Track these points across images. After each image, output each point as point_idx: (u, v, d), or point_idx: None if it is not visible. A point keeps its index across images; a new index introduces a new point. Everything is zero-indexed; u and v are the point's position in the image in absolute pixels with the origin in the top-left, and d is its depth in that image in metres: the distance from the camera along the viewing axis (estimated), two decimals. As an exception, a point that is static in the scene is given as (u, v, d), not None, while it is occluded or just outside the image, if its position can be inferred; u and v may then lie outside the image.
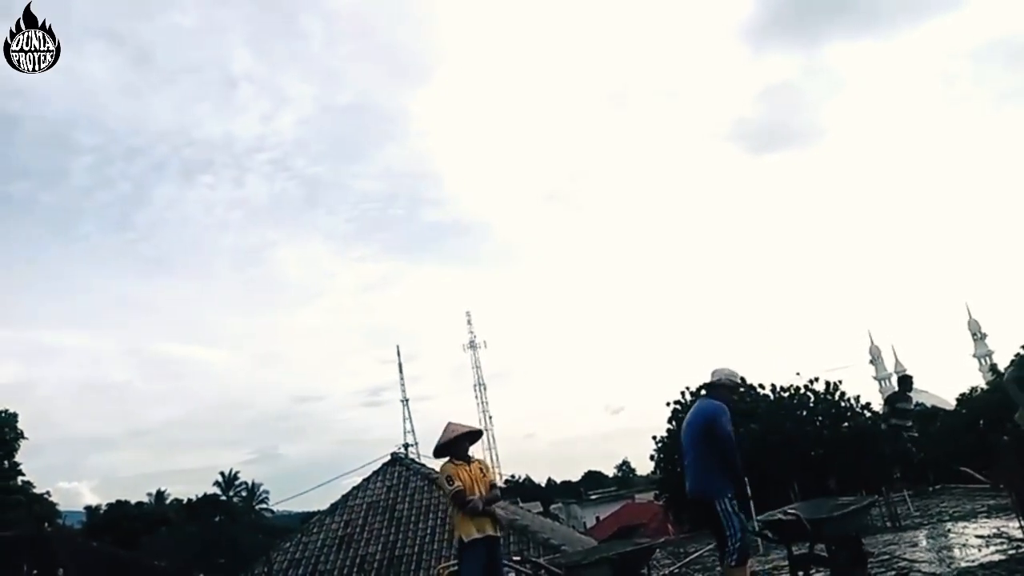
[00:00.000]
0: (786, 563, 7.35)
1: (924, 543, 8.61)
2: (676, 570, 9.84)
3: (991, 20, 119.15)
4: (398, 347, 73.88)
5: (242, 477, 63.73)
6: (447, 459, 6.10)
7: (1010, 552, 6.76)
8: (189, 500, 58.41)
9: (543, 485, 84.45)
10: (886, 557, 7.80)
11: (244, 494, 63.01)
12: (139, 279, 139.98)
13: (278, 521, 50.34)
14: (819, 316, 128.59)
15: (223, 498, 60.51)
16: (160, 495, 59.90)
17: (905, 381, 13.74)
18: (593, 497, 71.60)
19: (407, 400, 68.77)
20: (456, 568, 6.72)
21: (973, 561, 6.72)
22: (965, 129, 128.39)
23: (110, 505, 55.93)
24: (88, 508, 57.32)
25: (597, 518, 52.91)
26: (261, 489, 63.08)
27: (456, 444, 6.13)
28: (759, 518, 7.62)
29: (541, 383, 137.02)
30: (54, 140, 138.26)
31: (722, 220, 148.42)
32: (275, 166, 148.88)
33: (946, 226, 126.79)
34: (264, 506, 60.11)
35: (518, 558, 8.48)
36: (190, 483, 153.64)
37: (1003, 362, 25.68)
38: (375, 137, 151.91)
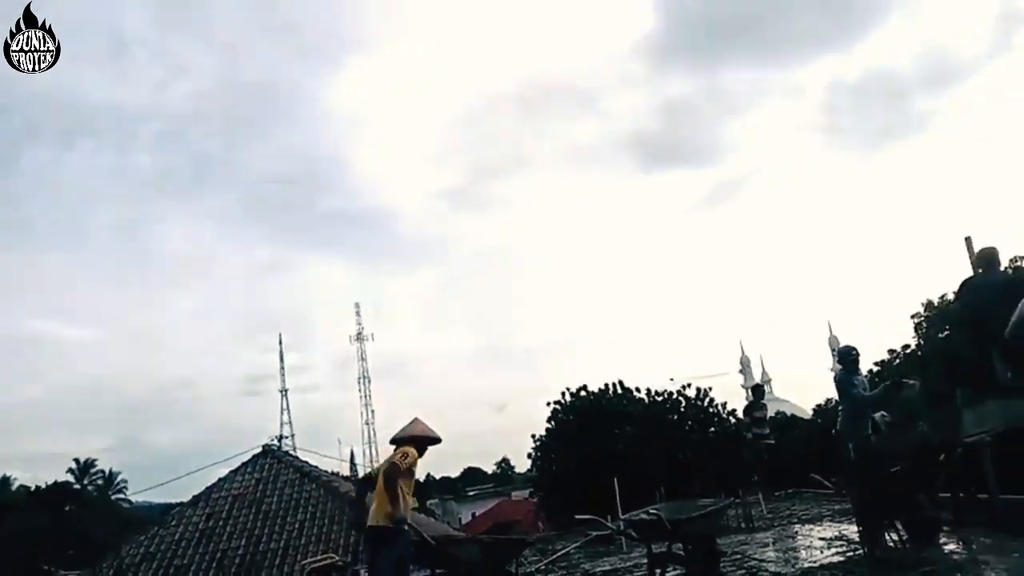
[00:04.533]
0: (646, 561, 7.61)
1: (773, 544, 9.12)
2: (542, 567, 9.98)
3: (873, 57, 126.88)
4: (280, 335, 71.59)
5: (100, 465, 59.96)
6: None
7: (848, 554, 7.23)
8: (38, 487, 54.48)
9: (420, 481, 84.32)
10: (738, 557, 8.20)
11: (101, 483, 59.34)
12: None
13: (139, 512, 47.55)
14: (699, 326, 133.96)
15: (77, 486, 56.77)
16: (5, 480, 55.50)
17: (757, 390, 15.37)
18: (471, 494, 71.58)
19: (286, 390, 66.93)
20: (337, 561, 6.81)
21: (815, 562, 7.16)
22: (844, 159, 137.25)
23: (-57, 492, 51.46)
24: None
25: (473, 514, 53.10)
26: (119, 478, 59.58)
27: (424, 443, 6.37)
28: (623, 517, 7.83)
29: (429, 380, 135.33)
30: None
31: (613, 228, 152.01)
32: (164, 137, 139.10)
33: (817, 250, 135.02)
34: (121, 496, 56.74)
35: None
36: (40, 470, 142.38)
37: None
38: (276, 118, 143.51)
